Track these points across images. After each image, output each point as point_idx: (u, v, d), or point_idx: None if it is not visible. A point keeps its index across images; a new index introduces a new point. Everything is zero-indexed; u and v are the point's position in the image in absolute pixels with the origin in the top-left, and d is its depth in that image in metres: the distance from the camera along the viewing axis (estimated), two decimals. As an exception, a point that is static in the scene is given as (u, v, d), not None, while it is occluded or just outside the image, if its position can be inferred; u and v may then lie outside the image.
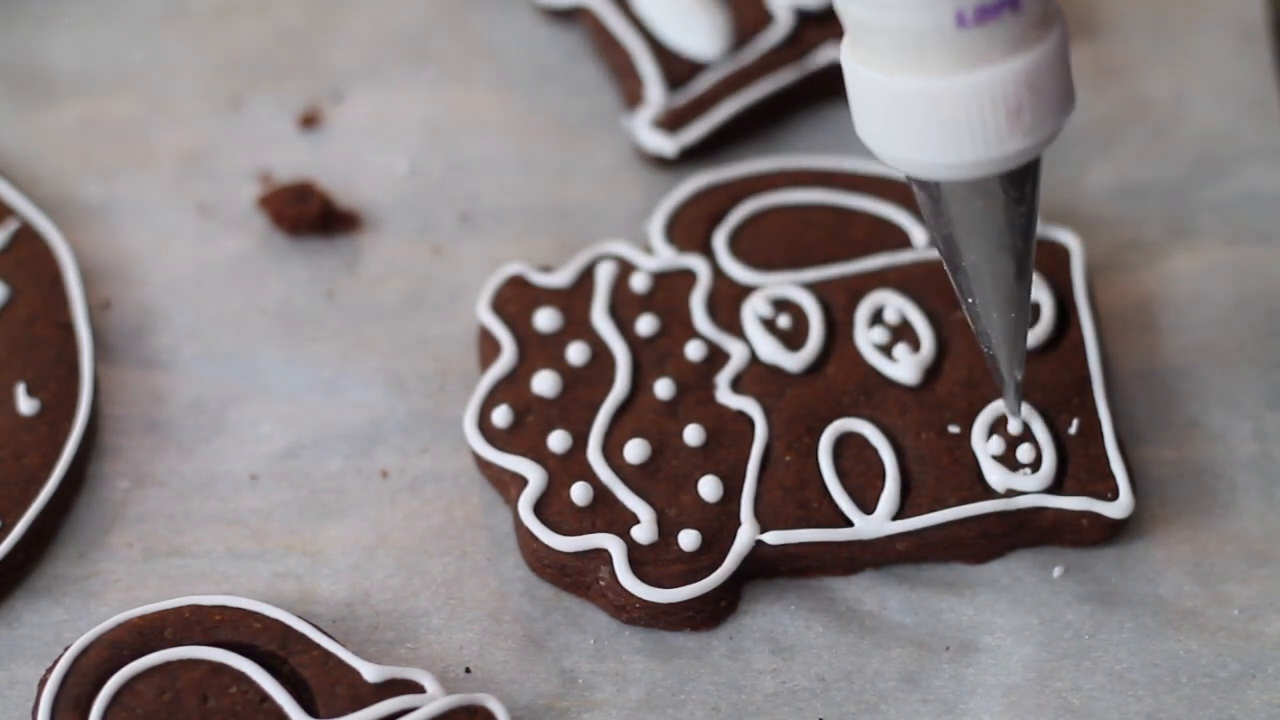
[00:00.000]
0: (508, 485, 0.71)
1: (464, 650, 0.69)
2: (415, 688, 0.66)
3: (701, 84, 0.80)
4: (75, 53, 0.83)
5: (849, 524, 0.70)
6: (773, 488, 0.70)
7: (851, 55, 0.63)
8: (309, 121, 0.81)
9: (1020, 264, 0.66)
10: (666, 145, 0.79)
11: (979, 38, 0.61)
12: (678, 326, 0.74)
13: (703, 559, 0.69)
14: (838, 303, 0.74)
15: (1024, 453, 0.70)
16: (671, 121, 0.79)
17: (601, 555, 0.69)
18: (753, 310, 0.74)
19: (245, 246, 0.78)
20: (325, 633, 0.68)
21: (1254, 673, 0.69)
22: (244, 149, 0.80)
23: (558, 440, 0.71)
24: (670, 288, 0.75)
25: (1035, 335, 0.73)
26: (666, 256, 0.75)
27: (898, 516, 0.70)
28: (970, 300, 0.67)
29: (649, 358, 0.73)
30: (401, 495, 0.72)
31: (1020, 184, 0.64)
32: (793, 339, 0.73)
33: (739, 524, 0.70)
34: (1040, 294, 0.74)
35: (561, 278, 0.75)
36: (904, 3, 0.60)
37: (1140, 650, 0.69)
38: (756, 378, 0.73)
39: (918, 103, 0.62)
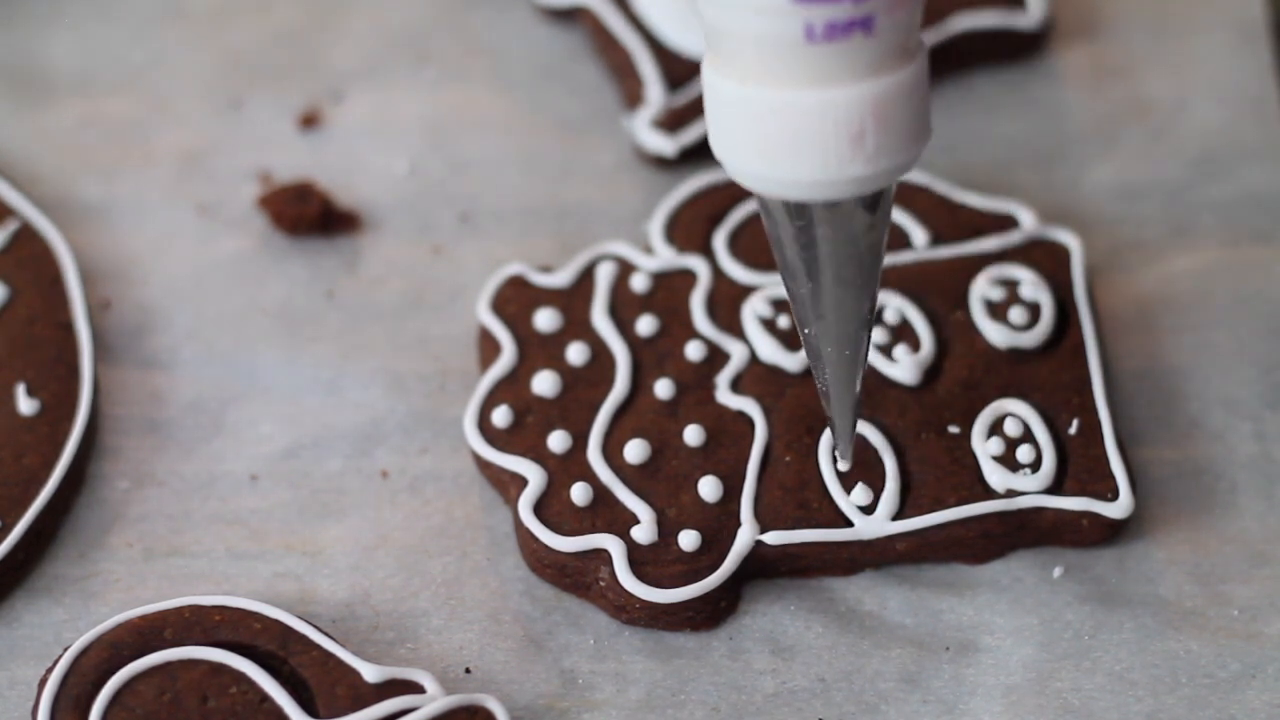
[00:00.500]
0: (507, 485, 0.71)
1: (464, 650, 0.69)
2: (415, 688, 0.66)
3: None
4: (75, 53, 0.83)
5: (849, 524, 0.70)
6: (773, 488, 0.70)
7: (708, 63, 0.63)
8: (309, 121, 0.81)
9: (858, 299, 0.65)
10: (666, 145, 0.79)
11: (829, 56, 0.60)
12: (678, 327, 0.74)
13: (703, 559, 0.69)
14: (838, 303, 0.74)
15: (1024, 453, 0.70)
16: (671, 121, 0.79)
17: (601, 555, 0.69)
18: (753, 310, 0.74)
19: (245, 246, 0.78)
20: (325, 633, 0.68)
21: (1254, 673, 0.69)
22: (244, 149, 0.80)
23: (558, 440, 0.71)
24: (670, 288, 0.75)
25: (1035, 336, 0.73)
26: (666, 257, 0.75)
27: (898, 517, 0.70)
28: (806, 331, 0.66)
29: (649, 358, 0.73)
30: (401, 495, 0.72)
31: (869, 211, 0.63)
32: (792, 339, 0.73)
33: (739, 524, 0.70)
34: (1040, 294, 0.74)
35: (561, 278, 0.75)
36: (757, 10, 0.60)
37: (1140, 650, 0.69)
38: (756, 378, 0.73)
39: (763, 113, 0.61)
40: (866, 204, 0.63)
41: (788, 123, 0.61)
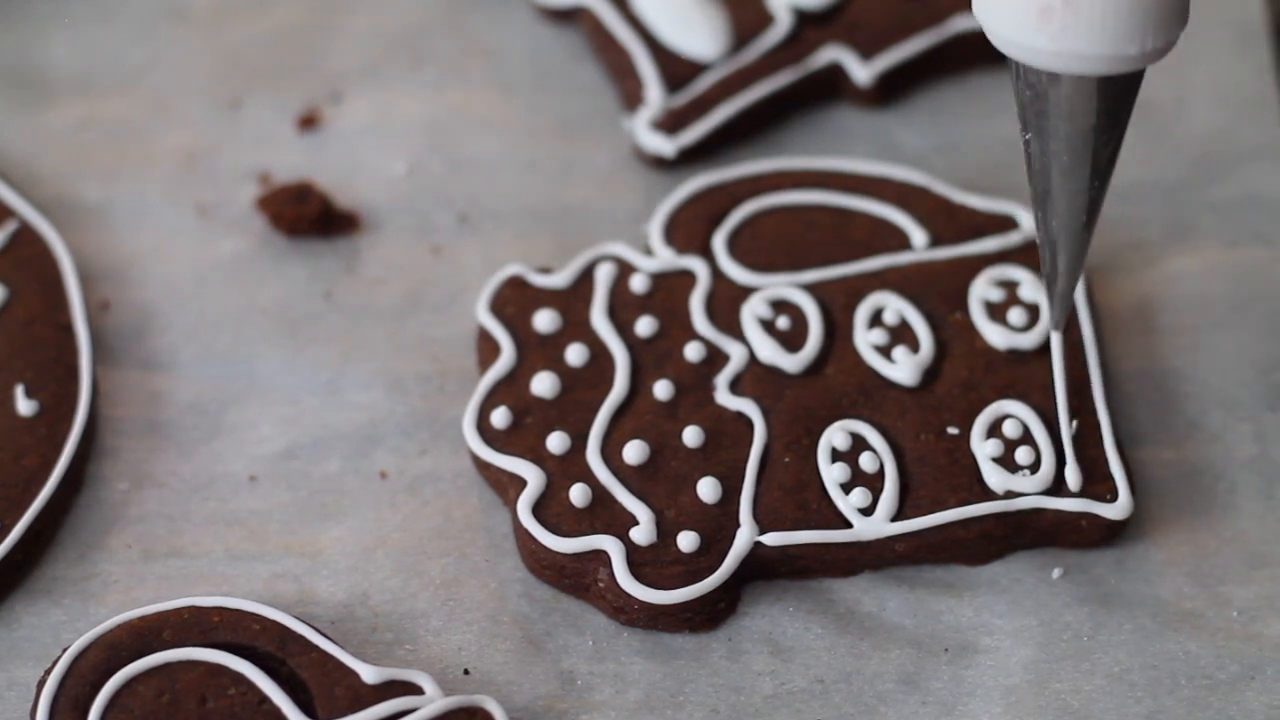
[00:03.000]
0: (506, 486, 0.71)
1: (463, 651, 0.69)
2: (414, 689, 0.66)
3: (701, 85, 0.80)
4: (75, 53, 0.83)
5: (848, 525, 0.70)
6: (772, 489, 0.70)
7: None
8: (308, 122, 0.81)
9: (1075, 180, 0.65)
10: (666, 146, 0.79)
11: None
12: (677, 328, 0.74)
13: (702, 560, 0.69)
14: (837, 304, 0.74)
15: (1023, 454, 0.70)
16: (671, 122, 0.79)
17: (600, 556, 0.69)
18: (752, 311, 0.74)
19: (244, 247, 0.78)
20: (324, 634, 0.68)
21: (1253, 674, 0.69)
22: (243, 150, 0.80)
23: (556, 441, 0.71)
24: (669, 289, 0.75)
25: (1034, 336, 0.73)
26: (666, 257, 0.75)
27: (897, 518, 0.70)
28: (1042, 193, 0.66)
29: (648, 359, 0.73)
30: (400, 496, 0.72)
31: (1085, 97, 0.63)
32: (792, 340, 0.73)
33: (738, 525, 0.70)
34: (1040, 295, 0.74)
35: (561, 279, 0.75)
36: None
37: (1139, 652, 0.69)
38: (756, 379, 0.73)
39: None
40: (1081, 89, 0.64)
41: None
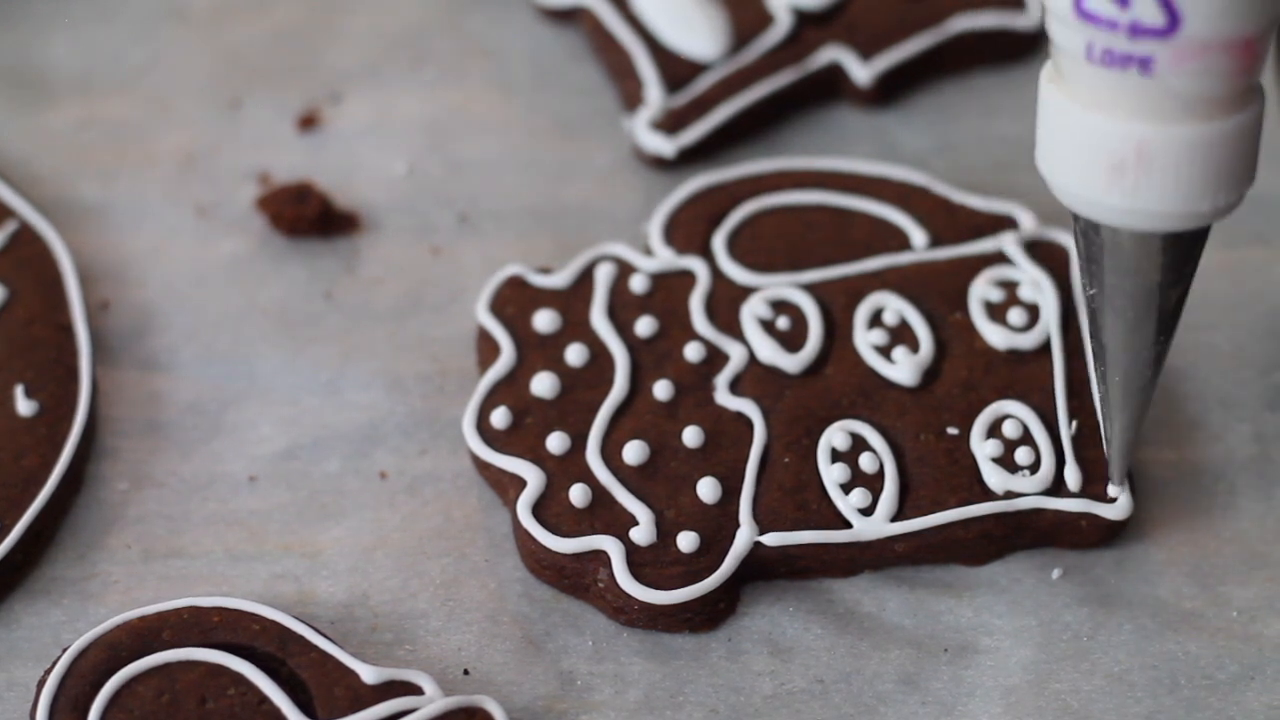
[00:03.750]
0: (506, 487, 0.71)
1: (462, 652, 0.69)
2: (414, 689, 0.66)
3: (701, 85, 0.80)
4: (74, 53, 0.83)
5: (848, 525, 0.70)
6: (771, 489, 0.70)
7: (1045, 75, 0.63)
8: (308, 122, 0.81)
9: (1136, 335, 0.65)
10: (666, 146, 0.79)
11: (1105, 80, 0.60)
12: (677, 328, 0.74)
13: (701, 560, 0.69)
14: (837, 304, 0.74)
15: (1022, 454, 0.70)
16: (671, 122, 0.79)
17: (600, 557, 0.69)
18: (752, 312, 0.74)
19: (244, 247, 0.78)
20: (324, 634, 0.68)
21: (1253, 675, 0.69)
22: (243, 150, 0.80)
23: (556, 442, 0.71)
24: (669, 289, 0.75)
25: (1034, 336, 0.73)
26: (665, 258, 0.75)
27: (896, 518, 0.70)
28: (1104, 349, 0.66)
29: (648, 359, 0.73)
30: (400, 496, 0.72)
31: (1149, 250, 0.63)
32: (792, 340, 0.73)
33: (738, 525, 0.70)
34: (1040, 295, 0.74)
35: (560, 279, 0.75)
36: (1058, 17, 0.60)
37: (1139, 652, 0.69)
38: (755, 379, 0.73)
39: (1052, 114, 0.62)
40: (1150, 244, 0.62)
41: (1066, 132, 0.61)
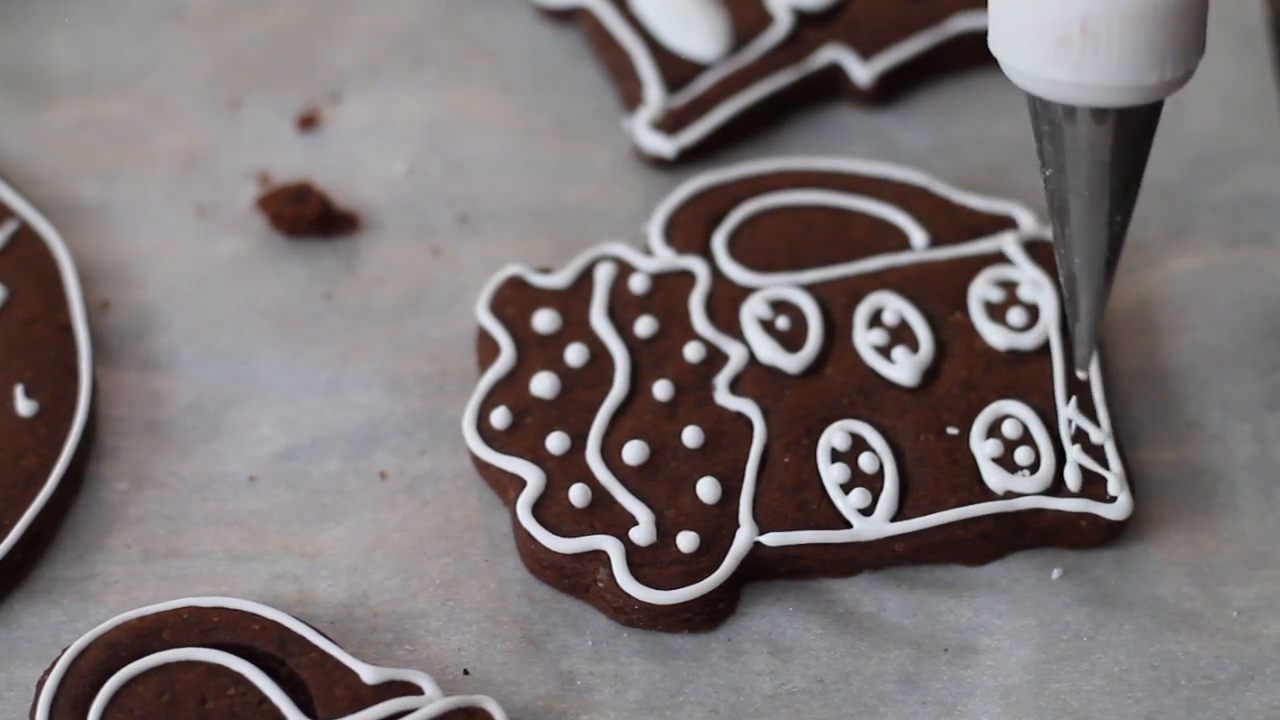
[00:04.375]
0: (506, 487, 0.71)
1: (462, 652, 0.69)
2: (413, 689, 0.66)
3: (701, 85, 0.80)
4: (74, 54, 0.83)
5: (848, 525, 0.70)
6: (771, 489, 0.70)
7: None
8: (308, 122, 0.81)
9: (1096, 213, 0.65)
10: (665, 146, 0.79)
11: None
12: (676, 328, 0.74)
13: (701, 560, 0.69)
14: (836, 304, 0.74)
15: (1022, 455, 0.70)
16: (671, 122, 0.79)
17: (600, 557, 0.69)
18: (751, 312, 0.74)
19: (244, 247, 0.78)
20: (323, 634, 0.68)
21: (1253, 675, 0.69)
22: (243, 150, 0.80)
23: (556, 442, 0.71)
24: (669, 289, 0.75)
25: (1033, 336, 0.73)
26: (665, 258, 0.75)
27: (896, 518, 0.70)
28: (1064, 230, 0.66)
29: (648, 359, 0.73)
30: (400, 496, 0.72)
31: (1103, 127, 0.63)
32: (792, 340, 0.73)
33: (738, 525, 0.70)
34: (1039, 295, 0.74)
35: (560, 279, 0.75)
36: None
37: (1139, 652, 0.69)
38: (755, 379, 0.73)
39: (1013, 3, 0.62)
40: (1100, 121, 0.63)
41: (1014, 8, 0.62)
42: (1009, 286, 0.74)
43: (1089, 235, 0.65)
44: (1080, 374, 0.70)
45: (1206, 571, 0.71)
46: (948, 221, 0.76)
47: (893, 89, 0.81)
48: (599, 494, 0.70)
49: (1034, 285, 0.74)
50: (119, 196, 0.79)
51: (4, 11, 0.84)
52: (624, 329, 0.74)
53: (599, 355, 0.73)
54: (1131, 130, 0.63)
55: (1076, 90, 0.62)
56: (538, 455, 0.71)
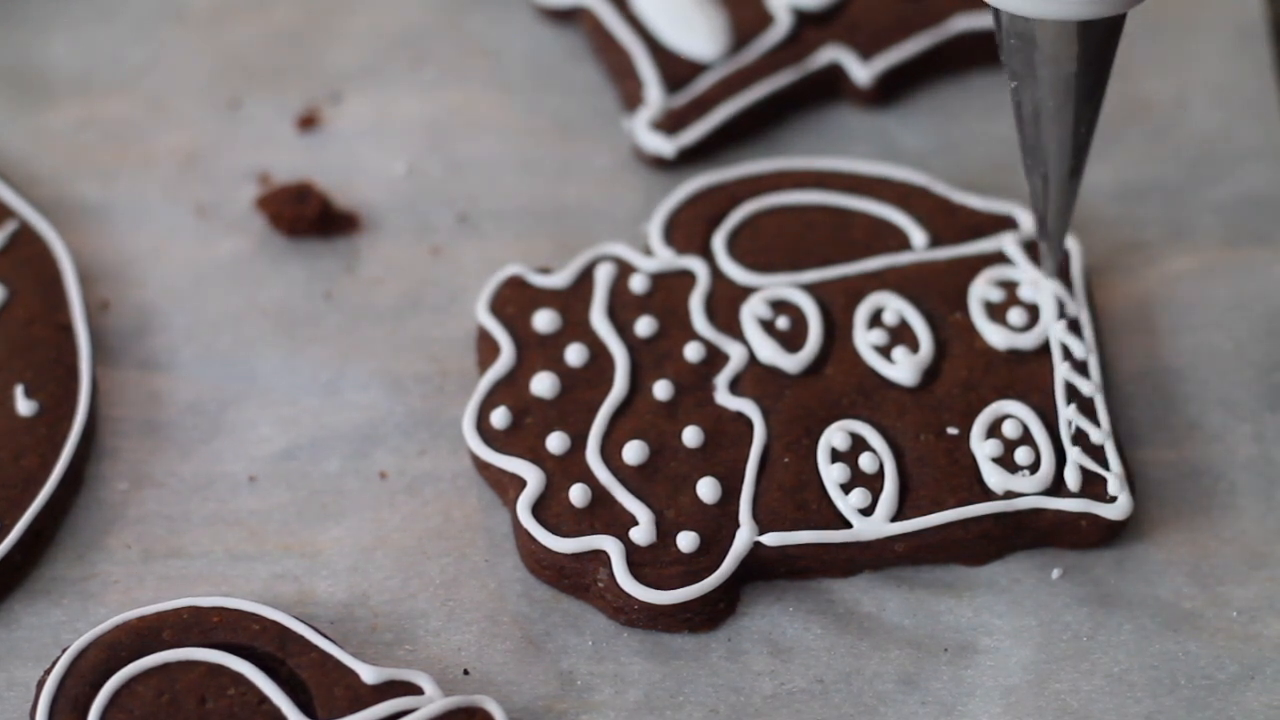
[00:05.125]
0: (506, 487, 0.71)
1: (462, 652, 0.69)
2: (413, 689, 0.66)
3: (701, 85, 0.80)
4: (74, 54, 0.83)
5: (847, 525, 0.70)
6: (771, 489, 0.70)
7: None
8: (307, 122, 0.81)
9: (1062, 124, 0.67)
10: (665, 146, 0.79)
11: None
12: (676, 328, 0.74)
13: (701, 560, 0.69)
14: (836, 304, 0.74)
15: (1022, 454, 0.70)
16: (671, 122, 0.79)
17: (600, 557, 0.69)
18: (751, 312, 0.74)
19: (244, 247, 0.78)
20: (323, 634, 0.68)
21: (1253, 675, 0.69)
22: (242, 150, 0.80)
23: (556, 441, 0.71)
24: (669, 289, 0.75)
25: (1033, 336, 0.73)
26: (665, 258, 0.75)
27: (896, 518, 0.70)
28: (1030, 142, 0.69)
29: (648, 359, 0.73)
30: (400, 496, 0.72)
31: (1066, 43, 0.65)
32: (791, 340, 0.73)
33: (738, 525, 0.70)
34: (1039, 295, 0.74)
35: (560, 279, 0.75)
36: None
37: (1139, 652, 0.69)
38: (755, 379, 0.73)
39: None
40: (1063, 34, 0.65)
41: None
42: (1009, 286, 0.74)
43: (1055, 146, 0.68)
44: (1048, 278, 0.72)
45: (1206, 571, 0.71)
46: (947, 221, 0.76)
47: (893, 89, 0.81)
48: (599, 494, 0.70)
49: (1034, 285, 0.74)
50: (119, 196, 0.79)
51: (4, 11, 0.84)
52: (624, 329, 0.74)
53: (599, 355, 0.73)
54: (1093, 42, 0.65)
55: (1039, 4, 0.64)
56: (538, 455, 0.71)
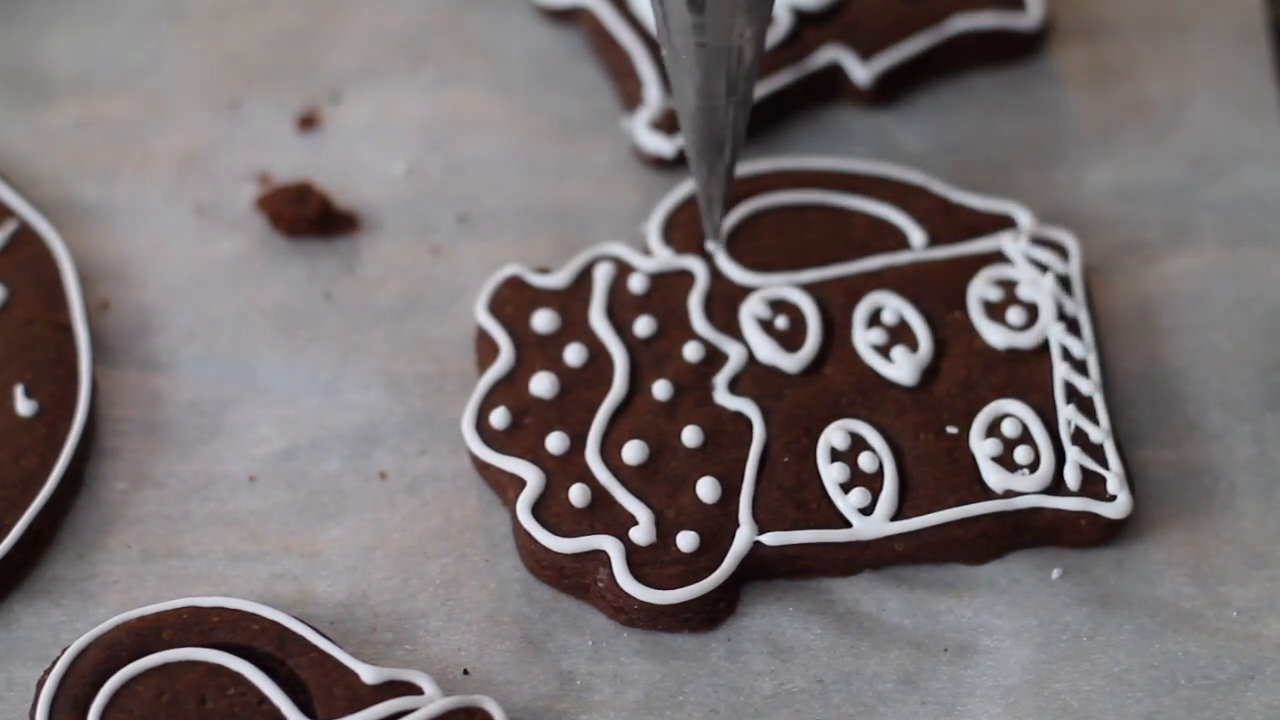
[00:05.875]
0: (506, 487, 0.71)
1: (462, 652, 0.69)
2: (413, 689, 0.66)
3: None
4: (74, 54, 0.83)
5: (847, 525, 0.70)
6: (771, 489, 0.70)
7: None
8: (307, 122, 0.81)
9: (729, 90, 0.69)
10: (665, 146, 0.79)
11: None
12: (676, 328, 0.74)
13: (701, 560, 0.69)
14: (835, 304, 0.74)
15: (1022, 454, 0.70)
16: (670, 123, 0.79)
17: (600, 556, 0.69)
18: (750, 311, 0.74)
19: (243, 247, 0.78)
20: (323, 634, 0.68)
21: (1252, 674, 0.69)
22: (242, 150, 0.80)
23: (556, 441, 0.71)
24: (668, 289, 0.75)
25: (1033, 335, 0.73)
26: (664, 257, 0.75)
27: (896, 517, 0.70)
28: (682, 106, 0.70)
29: (647, 359, 0.73)
30: (400, 496, 0.72)
31: (692, 10, 0.67)
32: (791, 340, 0.73)
33: (737, 525, 0.70)
34: (1038, 294, 0.74)
35: (559, 279, 0.75)
36: None
37: (1139, 652, 0.69)
38: (755, 379, 0.73)
39: None
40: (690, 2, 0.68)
41: None
42: (1008, 286, 0.74)
43: (706, 114, 0.70)
44: (710, 245, 0.74)
45: (1206, 571, 0.71)
46: (946, 221, 0.76)
47: (892, 89, 0.81)
48: (599, 494, 0.70)
49: (1033, 284, 0.74)
50: (119, 196, 0.79)
51: (4, 11, 0.84)
52: (623, 329, 0.74)
53: (598, 355, 0.73)
54: (717, 9, 0.67)
55: None
56: (537, 455, 0.71)
